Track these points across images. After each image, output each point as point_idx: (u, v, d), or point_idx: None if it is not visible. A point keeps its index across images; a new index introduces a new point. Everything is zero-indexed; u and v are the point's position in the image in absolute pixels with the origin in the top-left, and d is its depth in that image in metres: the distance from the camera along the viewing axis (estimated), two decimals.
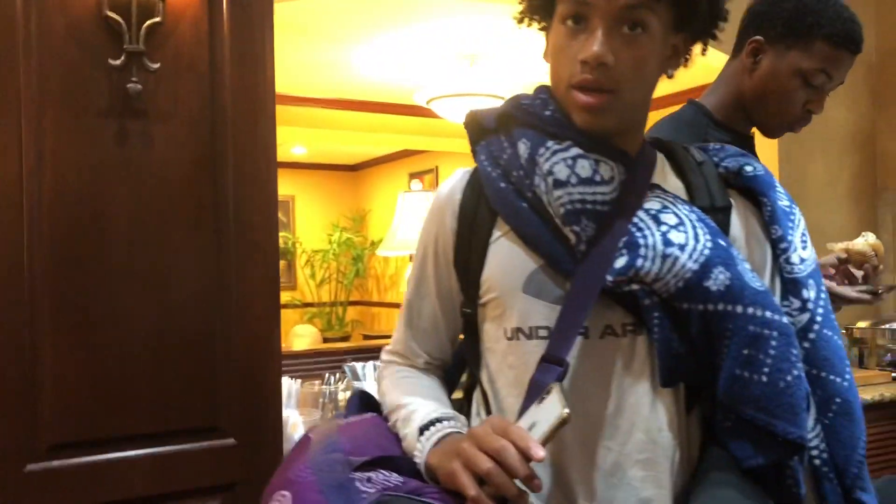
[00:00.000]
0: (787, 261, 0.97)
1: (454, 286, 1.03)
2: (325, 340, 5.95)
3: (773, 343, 0.86)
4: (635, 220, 0.90)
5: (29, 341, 1.39)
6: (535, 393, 0.85)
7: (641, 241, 0.88)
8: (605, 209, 0.90)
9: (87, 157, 1.43)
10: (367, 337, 6.73)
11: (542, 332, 0.92)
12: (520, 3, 1.00)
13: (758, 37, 1.45)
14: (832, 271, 1.63)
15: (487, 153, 1.00)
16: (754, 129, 1.57)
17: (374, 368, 2.28)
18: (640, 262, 0.87)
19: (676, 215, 0.90)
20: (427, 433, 0.91)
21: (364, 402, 1.10)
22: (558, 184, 0.90)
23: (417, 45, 4.18)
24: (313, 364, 2.70)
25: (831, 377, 0.95)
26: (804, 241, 0.98)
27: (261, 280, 1.57)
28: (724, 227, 0.95)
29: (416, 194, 4.04)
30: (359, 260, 7.81)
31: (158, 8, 1.45)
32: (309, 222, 8.23)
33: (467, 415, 1.04)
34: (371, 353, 2.49)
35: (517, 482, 0.77)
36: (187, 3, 1.50)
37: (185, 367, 1.50)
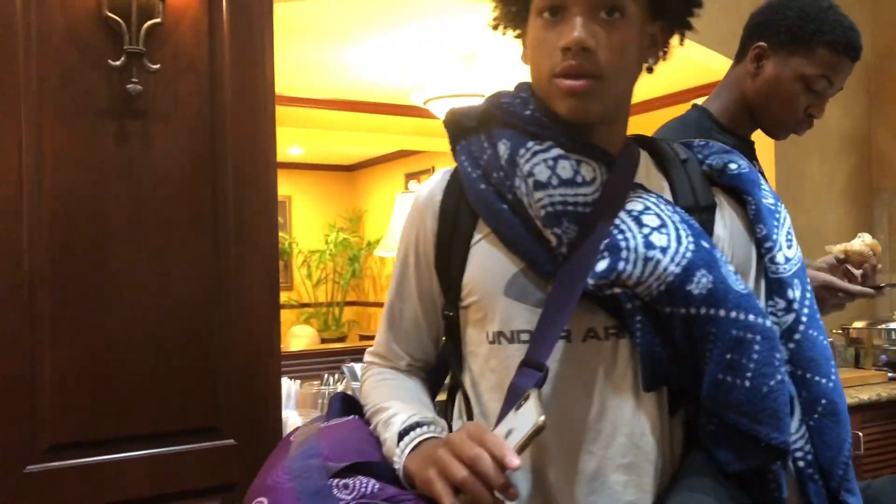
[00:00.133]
0: (772, 260, 0.95)
1: (435, 289, 1.02)
2: (323, 341, 5.95)
3: (757, 347, 0.85)
4: (617, 221, 0.88)
5: (28, 342, 1.39)
6: (513, 398, 0.84)
7: (623, 243, 0.87)
8: (586, 211, 0.89)
9: (87, 157, 1.43)
10: (363, 337, 6.72)
11: (524, 336, 0.91)
12: (493, 11, 0.99)
13: (762, 43, 1.50)
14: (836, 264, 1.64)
15: (468, 153, 0.98)
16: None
17: None
18: (621, 265, 0.86)
19: (659, 217, 0.89)
20: (406, 438, 0.90)
21: (346, 404, 1.09)
22: (539, 185, 0.88)
23: (415, 46, 4.18)
24: (312, 365, 2.70)
25: (817, 378, 0.93)
26: (789, 240, 0.97)
27: (260, 280, 1.57)
28: (709, 227, 0.94)
29: (413, 195, 4.04)
30: (355, 260, 7.80)
31: (158, 9, 1.45)
32: (305, 223, 8.22)
33: (450, 417, 1.03)
34: None
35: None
36: (187, 3, 1.50)
37: (185, 368, 1.51)
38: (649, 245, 0.86)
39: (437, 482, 0.79)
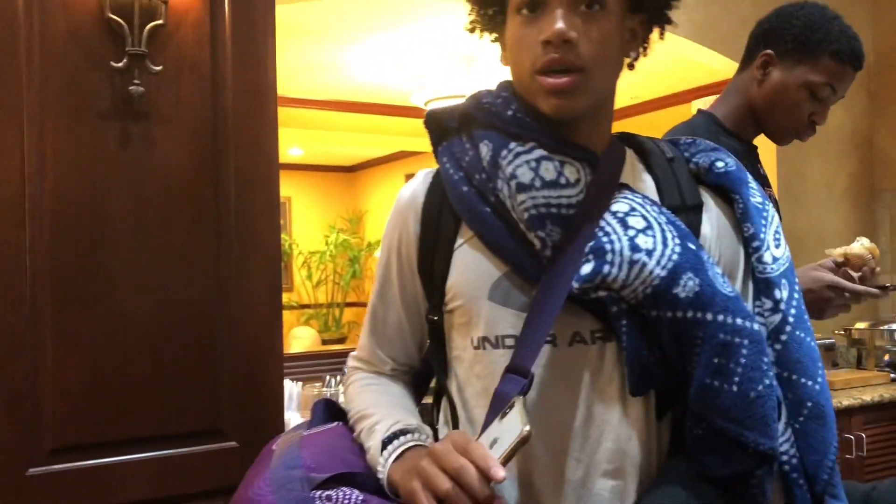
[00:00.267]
0: (760, 260, 0.93)
1: (419, 292, 1.00)
2: (323, 342, 5.95)
3: (744, 351, 0.83)
4: (602, 223, 0.87)
5: (30, 344, 1.38)
6: (498, 405, 0.83)
7: (608, 246, 0.85)
8: (570, 213, 0.87)
9: (88, 159, 1.43)
10: None
11: (509, 341, 0.89)
12: (469, 14, 0.98)
13: (769, 51, 1.54)
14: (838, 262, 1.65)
15: (450, 155, 0.97)
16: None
17: None
18: (606, 268, 0.84)
19: (644, 218, 0.87)
20: (390, 447, 0.89)
21: (329, 411, 1.07)
22: (522, 188, 0.87)
23: (415, 47, 4.18)
24: (313, 366, 2.70)
25: (803, 380, 0.91)
26: (777, 240, 0.95)
27: (262, 282, 1.57)
28: (695, 227, 0.92)
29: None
30: (355, 261, 7.81)
31: (160, 10, 1.44)
32: (305, 224, 8.23)
33: (436, 423, 1.02)
34: None
35: None
36: (189, 5, 1.50)
37: (187, 370, 1.50)
38: (635, 248, 0.84)
39: (420, 494, 0.77)
